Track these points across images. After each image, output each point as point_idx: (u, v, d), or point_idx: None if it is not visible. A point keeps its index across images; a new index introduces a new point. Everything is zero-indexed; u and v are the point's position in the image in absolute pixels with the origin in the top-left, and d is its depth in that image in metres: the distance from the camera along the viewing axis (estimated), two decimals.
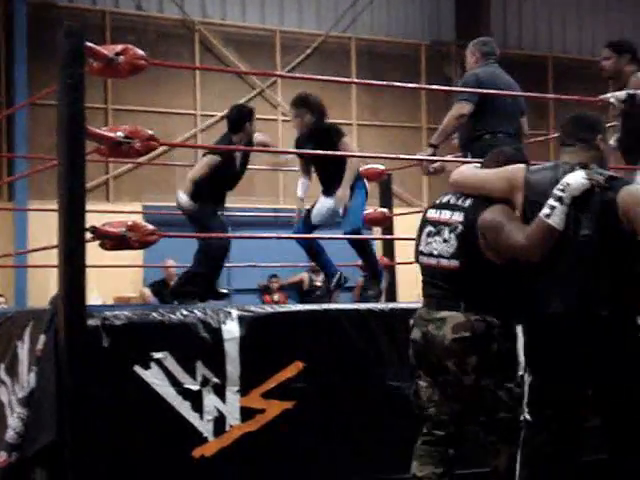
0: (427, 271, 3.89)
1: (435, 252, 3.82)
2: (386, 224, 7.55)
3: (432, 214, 3.91)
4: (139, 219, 9.84)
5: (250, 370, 4.35)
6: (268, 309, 4.57)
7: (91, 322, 4.06)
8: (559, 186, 3.51)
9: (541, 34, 17.66)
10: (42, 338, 4.06)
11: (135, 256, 11.27)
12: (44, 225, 12.14)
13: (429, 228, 3.89)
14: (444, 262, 3.79)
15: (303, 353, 4.46)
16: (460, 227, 3.77)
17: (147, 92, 14.03)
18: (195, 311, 4.36)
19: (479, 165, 4.06)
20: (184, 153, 14.40)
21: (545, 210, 3.50)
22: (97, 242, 4.34)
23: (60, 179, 4.12)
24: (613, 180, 3.55)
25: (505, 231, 3.62)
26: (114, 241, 4.36)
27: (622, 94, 5.44)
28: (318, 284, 13.03)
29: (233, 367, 4.33)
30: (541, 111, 16.17)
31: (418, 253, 3.94)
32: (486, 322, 3.70)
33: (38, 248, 6.02)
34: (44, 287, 11.91)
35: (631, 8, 18.14)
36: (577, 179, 3.51)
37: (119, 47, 4.36)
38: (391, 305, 4.94)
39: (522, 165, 3.79)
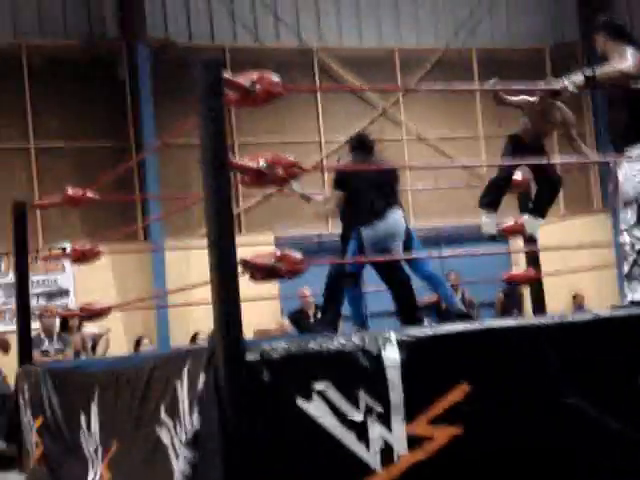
0: None
1: None
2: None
3: None
4: (271, 250, 9.86)
5: (414, 396, 4.16)
6: (428, 331, 4.39)
7: (250, 356, 3.97)
8: None
9: None
10: (202, 376, 3.98)
11: (270, 287, 11.26)
12: (180, 261, 12.36)
13: None
14: None
15: (468, 374, 4.25)
16: None
17: (269, 123, 14.11)
18: (353, 338, 4.22)
19: None
20: (310, 182, 14.42)
21: None
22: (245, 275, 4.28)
23: (208, 214, 4.05)
24: None
25: None
26: (264, 272, 4.31)
27: (579, 79, 4.86)
28: None
29: (396, 394, 4.15)
30: None
31: None
32: None
33: (186, 287, 6.00)
34: (184, 325, 12.00)
35: None
36: None
37: (255, 75, 4.31)
38: (557, 318, 4.67)
39: None
